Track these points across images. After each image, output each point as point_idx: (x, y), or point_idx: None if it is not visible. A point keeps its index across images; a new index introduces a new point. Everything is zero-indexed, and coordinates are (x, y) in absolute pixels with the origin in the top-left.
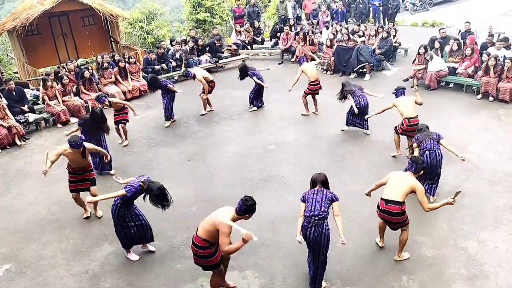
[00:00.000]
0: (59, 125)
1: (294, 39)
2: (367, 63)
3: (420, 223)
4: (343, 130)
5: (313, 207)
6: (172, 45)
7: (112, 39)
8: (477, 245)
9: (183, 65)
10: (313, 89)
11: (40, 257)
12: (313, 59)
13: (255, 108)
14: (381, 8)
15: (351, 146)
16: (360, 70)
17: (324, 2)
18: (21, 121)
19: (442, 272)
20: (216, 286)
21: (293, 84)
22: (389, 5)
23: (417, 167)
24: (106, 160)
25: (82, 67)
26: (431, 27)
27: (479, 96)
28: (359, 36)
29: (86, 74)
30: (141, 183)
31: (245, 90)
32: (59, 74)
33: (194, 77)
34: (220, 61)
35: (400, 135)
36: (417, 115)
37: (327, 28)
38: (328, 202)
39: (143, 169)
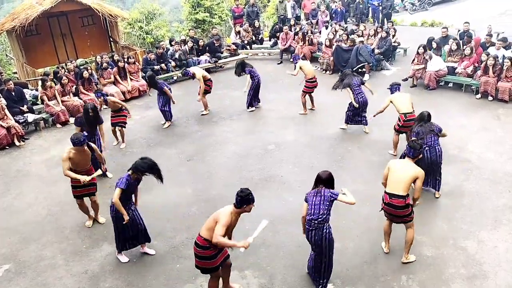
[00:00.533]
0: (58, 126)
1: (293, 39)
2: (366, 63)
3: (420, 223)
4: (343, 128)
5: (312, 210)
6: (171, 45)
7: (111, 39)
8: (476, 244)
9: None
10: (312, 86)
11: (39, 258)
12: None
13: (253, 109)
14: (380, 8)
15: (351, 146)
16: (360, 70)
17: (323, 2)
18: (20, 121)
19: (442, 271)
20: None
21: (293, 74)
22: (382, 5)
23: (414, 152)
24: (104, 168)
25: (81, 67)
26: (430, 27)
27: (478, 95)
28: (358, 36)
29: (85, 74)
30: (128, 171)
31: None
32: (58, 75)
33: (193, 76)
34: (219, 61)
35: (399, 134)
36: (414, 110)
37: (326, 28)
38: (327, 203)
39: None
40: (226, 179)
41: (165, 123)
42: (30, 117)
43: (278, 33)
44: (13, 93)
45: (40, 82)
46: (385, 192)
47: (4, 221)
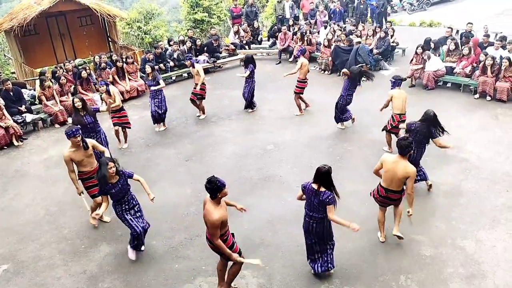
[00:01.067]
0: (56, 126)
1: (292, 39)
2: (364, 64)
3: (418, 223)
4: (341, 128)
5: (311, 207)
6: (170, 45)
7: (109, 39)
8: (475, 244)
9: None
10: (304, 87)
11: (38, 258)
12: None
13: (253, 110)
14: (376, 7)
15: (350, 146)
16: None
17: (322, 2)
18: (19, 121)
19: (440, 271)
20: (234, 275)
21: (290, 74)
22: (378, 5)
23: (403, 151)
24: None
25: (80, 67)
26: (429, 27)
27: (477, 95)
28: (357, 36)
29: (84, 74)
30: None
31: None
32: (56, 74)
33: (192, 65)
34: (218, 61)
35: (391, 133)
36: (405, 112)
37: (325, 28)
38: (325, 207)
39: (141, 169)
40: (225, 179)
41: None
42: (29, 117)
43: (277, 33)
44: (11, 93)
45: (38, 82)
46: (381, 186)
47: (3, 221)
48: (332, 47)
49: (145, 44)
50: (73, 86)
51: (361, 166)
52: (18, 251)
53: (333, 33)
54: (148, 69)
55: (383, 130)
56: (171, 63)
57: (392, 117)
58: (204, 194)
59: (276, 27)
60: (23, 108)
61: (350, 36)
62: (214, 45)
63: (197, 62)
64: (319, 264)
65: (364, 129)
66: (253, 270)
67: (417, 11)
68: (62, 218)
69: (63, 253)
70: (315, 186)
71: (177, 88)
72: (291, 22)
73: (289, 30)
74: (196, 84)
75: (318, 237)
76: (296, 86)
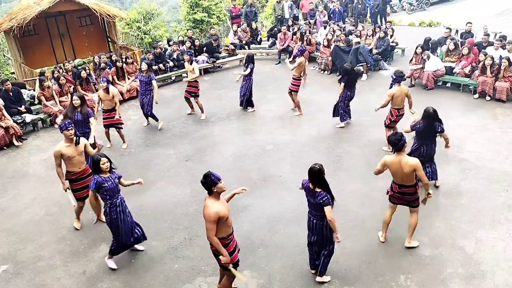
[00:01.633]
0: (56, 126)
1: (292, 39)
2: (364, 63)
3: (418, 223)
4: (341, 127)
5: (310, 205)
6: (169, 45)
7: (109, 40)
8: (474, 244)
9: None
10: (299, 84)
11: (37, 258)
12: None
13: (253, 109)
14: (374, 6)
15: (349, 146)
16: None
17: (321, 2)
18: (18, 121)
19: (440, 271)
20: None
21: (292, 68)
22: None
23: (396, 148)
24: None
25: (79, 67)
26: (428, 27)
27: (476, 95)
28: (357, 36)
29: (83, 74)
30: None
31: None
32: (54, 74)
33: (190, 61)
34: (218, 61)
35: (391, 129)
36: (404, 106)
37: (325, 28)
38: (321, 207)
39: (140, 170)
40: (224, 179)
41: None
42: (28, 118)
43: (277, 34)
44: (11, 94)
45: (37, 82)
46: (394, 182)
47: (2, 222)
48: (332, 47)
49: (144, 44)
50: (72, 87)
51: (361, 166)
52: (17, 251)
53: (332, 33)
54: (144, 66)
55: (385, 126)
56: (171, 63)
57: (391, 112)
58: (204, 194)
59: (276, 28)
60: (22, 108)
61: (350, 37)
62: (214, 45)
63: (197, 62)
64: (311, 262)
65: (363, 129)
66: (252, 270)
67: (416, 11)
68: (61, 218)
69: (63, 253)
70: (311, 185)
71: (176, 88)
72: (290, 22)
73: (289, 30)
74: (190, 83)
75: (318, 236)
76: (292, 84)
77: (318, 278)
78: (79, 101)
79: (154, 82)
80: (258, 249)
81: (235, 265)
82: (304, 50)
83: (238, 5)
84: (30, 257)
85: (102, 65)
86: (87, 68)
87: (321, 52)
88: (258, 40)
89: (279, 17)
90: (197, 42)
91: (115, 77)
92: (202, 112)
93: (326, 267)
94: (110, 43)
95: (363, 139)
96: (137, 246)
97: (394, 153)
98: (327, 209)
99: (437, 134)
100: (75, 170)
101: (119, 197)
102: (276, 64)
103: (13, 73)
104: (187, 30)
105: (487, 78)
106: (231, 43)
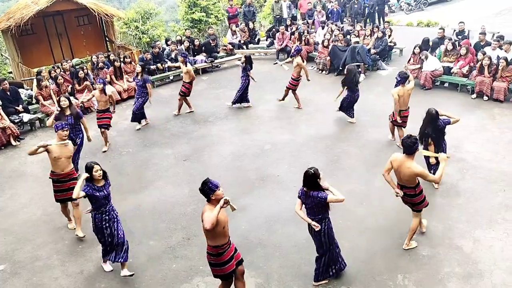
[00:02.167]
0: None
1: (290, 39)
2: (362, 63)
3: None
4: (353, 122)
5: (308, 211)
6: (167, 45)
7: (107, 39)
8: (472, 244)
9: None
10: (297, 84)
11: (35, 258)
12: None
13: (249, 105)
14: (377, 8)
15: (347, 146)
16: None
17: (320, 2)
18: (16, 121)
19: (437, 271)
20: None
21: (285, 63)
22: (369, 5)
23: (410, 150)
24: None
25: (77, 67)
26: (426, 27)
27: (474, 95)
28: (355, 36)
29: (81, 74)
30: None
31: None
32: (52, 74)
33: (184, 62)
34: (216, 61)
35: (398, 127)
36: (409, 107)
37: (323, 28)
38: (320, 206)
39: (138, 169)
40: (222, 179)
41: (145, 123)
42: (26, 117)
43: (275, 34)
44: (8, 93)
45: (35, 82)
46: (398, 183)
47: None
48: (330, 47)
49: (142, 44)
50: (70, 86)
51: (359, 166)
52: (15, 251)
53: (330, 33)
54: (138, 68)
55: (389, 120)
56: (169, 63)
57: (393, 113)
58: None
59: (274, 29)
60: (20, 108)
61: (348, 36)
62: (212, 45)
63: (195, 63)
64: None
65: (362, 129)
66: (250, 270)
67: (414, 11)
68: (59, 218)
69: (60, 253)
70: (306, 189)
71: (174, 88)
72: (288, 22)
73: (287, 30)
74: (184, 83)
75: (316, 243)
76: (290, 83)
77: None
78: (67, 102)
79: (148, 86)
80: (256, 249)
81: (229, 276)
82: (300, 49)
83: (235, 5)
84: (27, 257)
85: (100, 64)
86: (85, 67)
87: (319, 52)
88: (255, 40)
89: (278, 17)
90: (196, 42)
91: (113, 76)
92: (178, 110)
93: (319, 273)
94: (108, 42)
95: (361, 139)
96: (124, 272)
97: (403, 153)
98: (330, 198)
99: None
100: (57, 171)
101: (108, 207)
102: (274, 64)
103: (10, 72)
104: (185, 29)
105: (484, 78)
106: (229, 43)
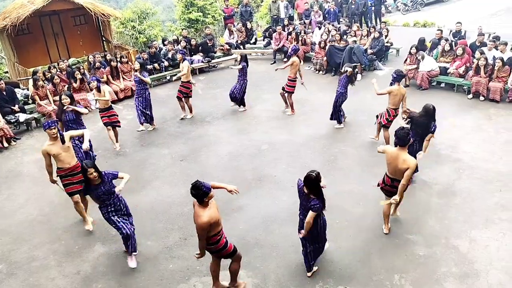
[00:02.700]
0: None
1: (287, 39)
2: (359, 64)
3: (413, 222)
4: (339, 128)
5: (301, 208)
6: (164, 45)
7: (103, 39)
8: (468, 243)
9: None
10: (294, 85)
11: (31, 258)
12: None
13: (245, 108)
14: (373, 8)
15: (344, 146)
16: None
17: (317, 2)
18: (12, 121)
19: (434, 270)
20: (236, 272)
21: (281, 68)
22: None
23: (403, 142)
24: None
25: (74, 66)
26: (423, 27)
27: (470, 95)
28: (351, 36)
29: (77, 74)
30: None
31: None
32: (46, 76)
33: (182, 60)
34: (213, 61)
35: (387, 129)
36: (399, 107)
37: (320, 28)
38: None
39: (135, 169)
40: (219, 179)
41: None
42: (22, 117)
43: (272, 34)
44: (4, 93)
45: (31, 82)
46: (387, 175)
47: None
48: (327, 47)
49: (139, 43)
50: (67, 86)
51: (356, 166)
52: (11, 251)
53: (327, 33)
54: (136, 65)
55: (381, 126)
56: (166, 63)
57: (388, 111)
58: None
59: (271, 29)
60: (16, 107)
61: (344, 37)
62: (209, 44)
63: (191, 62)
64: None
65: (358, 129)
66: (247, 270)
67: (411, 11)
68: (55, 218)
69: (57, 253)
70: (305, 190)
71: (171, 88)
72: (286, 22)
73: (284, 30)
74: (183, 83)
75: (313, 234)
76: (287, 85)
77: (308, 274)
78: (68, 100)
79: (147, 78)
80: (253, 249)
81: (235, 250)
82: (298, 49)
83: (232, 6)
84: (24, 257)
85: (97, 64)
86: (81, 67)
87: (316, 52)
88: (252, 41)
89: (275, 17)
90: (193, 42)
91: (109, 76)
92: (191, 112)
93: (313, 261)
94: (104, 42)
95: (358, 139)
96: (130, 264)
97: (395, 146)
98: (311, 213)
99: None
100: (64, 166)
101: (112, 199)
102: (271, 64)
103: (6, 72)
104: (182, 29)
105: (481, 78)
106: (226, 43)
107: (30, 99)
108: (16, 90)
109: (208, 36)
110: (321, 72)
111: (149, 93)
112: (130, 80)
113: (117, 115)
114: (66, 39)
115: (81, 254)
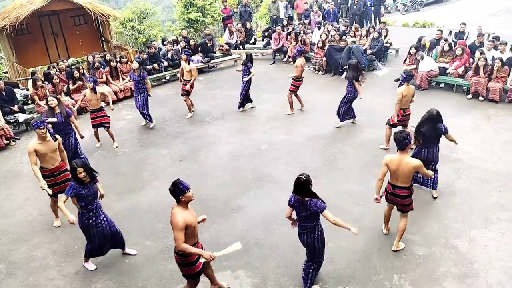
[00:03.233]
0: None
1: (286, 39)
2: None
3: (412, 222)
4: (338, 127)
5: (301, 219)
6: (163, 45)
7: (103, 39)
8: (467, 243)
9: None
10: (299, 85)
11: (30, 258)
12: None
13: (253, 105)
14: (372, 8)
15: (344, 146)
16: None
17: (316, 3)
18: (11, 121)
19: (433, 270)
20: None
21: (295, 75)
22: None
23: (401, 146)
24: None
25: (73, 67)
26: (422, 28)
27: (469, 96)
28: (351, 36)
29: (76, 74)
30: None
31: (237, 90)
32: (48, 75)
33: (187, 60)
34: (212, 61)
35: (393, 127)
36: (409, 106)
37: (319, 28)
38: (315, 215)
39: (134, 169)
40: (219, 179)
41: (146, 123)
42: (21, 117)
43: (271, 34)
44: (4, 93)
45: (30, 82)
46: (389, 183)
47: None
48: (326, 47)
49: (138, 43)
50: (66, 86)
51: (355, 166)
52: (10, 251)
53: (327, 33)
54: (135, 64)
55: (387, 124)
56: (165, 63)
57: (397, 113)
58: (197, 194)
59: (270, 29)
60: (15, 107)
61: (343, 37)
62: (208, 45)
63: (192, 62)
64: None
65: (358, 129)
66: (247, 270)
67: (410, 11)
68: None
69: (56, 253)
70: (299, 197)
71: (171, 88)
72: (285, 22)
73: (283, 30)
74: (186, 81)
75: (310, 249)
76: (292, 85)
77: None
78: (55, 101)
79: (146, 79)
80: (253, 249)
81: (198, 274)
82: (303, 50)
83: (230, 6)
84: (23, 257)
85: (96, 64)
86: (81, 67)
87: (315, 52)
88: (251, 42)
89: (274, 17)
90: (192, 42)
91: (109, 76)
92: (190, 111)
93: (313, 279)
94: (104, 42)
95: (357, 139)
96: (129, 251)
97: (397, 151)
98: (326, 214)
99: (442, 135)
100: (48, 167)
101: (95, 204)
102: (271, 64)
103: (6, 72)
104: (182, 29)
105: (480, 78)
106: (226, 43)
107: (29, 99)
108: (16, 90)
109: (208, 36)
110: (320, 72)
111: (147, 93)
112: (129, 80)
113: (109, 116)
114: (65, 39)
115: (80, 254)
